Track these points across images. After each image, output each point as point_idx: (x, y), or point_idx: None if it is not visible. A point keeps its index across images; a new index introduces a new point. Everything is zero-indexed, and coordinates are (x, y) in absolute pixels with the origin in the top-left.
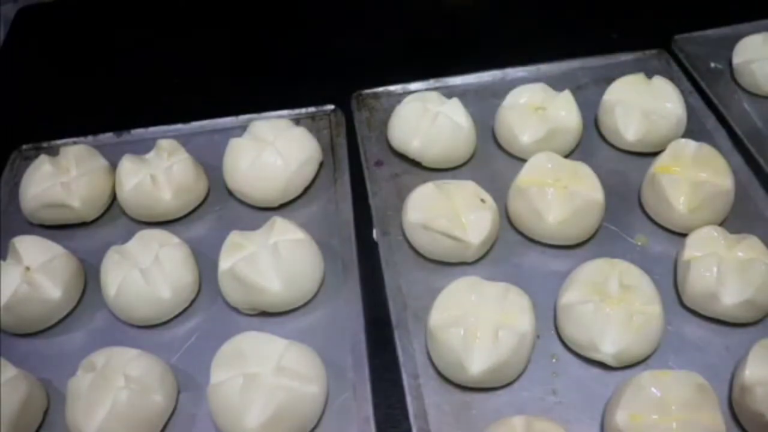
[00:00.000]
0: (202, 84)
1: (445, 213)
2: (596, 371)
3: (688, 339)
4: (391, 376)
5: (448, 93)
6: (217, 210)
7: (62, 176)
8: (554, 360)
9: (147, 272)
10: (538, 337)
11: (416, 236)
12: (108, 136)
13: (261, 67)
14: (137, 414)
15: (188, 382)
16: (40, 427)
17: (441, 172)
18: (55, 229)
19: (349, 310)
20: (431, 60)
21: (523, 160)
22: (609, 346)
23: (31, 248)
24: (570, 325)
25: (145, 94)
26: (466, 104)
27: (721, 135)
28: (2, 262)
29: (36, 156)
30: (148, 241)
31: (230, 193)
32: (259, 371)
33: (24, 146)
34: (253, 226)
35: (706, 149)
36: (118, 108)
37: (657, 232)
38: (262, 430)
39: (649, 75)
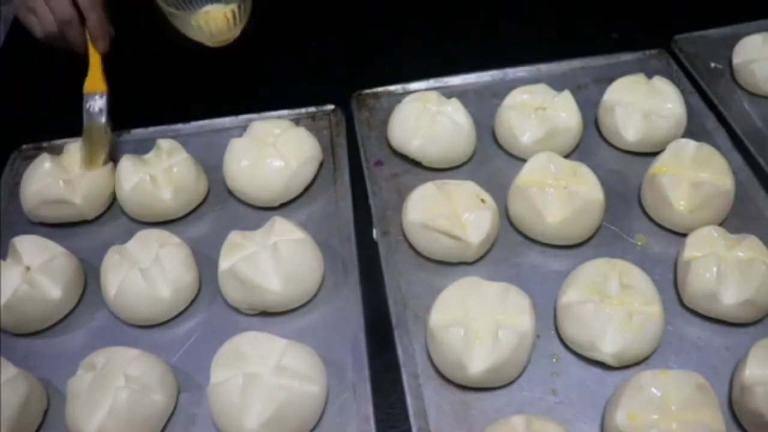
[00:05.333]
0: (202, 84)
1: (445, 213)
2: (596, 371)
3: (688, 339)
4: (391, 376)
5: (448, 93)
6: (217, 210)
7: (64, 174)
8: (554, 360)
9: (147, 272)
10: (538, 337)
11: (416, 236)
12: None
13: (261, 68)
14: (137, 414)
15: (188, 382)
16: (40, 427)
17: (441, 172)
18: (56, 229)
19: (349, 310)
20: (431, 60)
21: (523, 160)
22: (609, 346)
23: (31, 248)
24: (570, 325)
25: (145, 94)
26: (466, 104)
27: (721, 135)
28: (2, 262)
29: (36, 156)
30: (148, 241)
31: (230, 193)
32: (259, 371)
33: (24, 146)
34: (253, 226)
35: (706, 149)
36: (118, 108)
37: (657, 232)
38: (262, 429)
39: (649, 75)
